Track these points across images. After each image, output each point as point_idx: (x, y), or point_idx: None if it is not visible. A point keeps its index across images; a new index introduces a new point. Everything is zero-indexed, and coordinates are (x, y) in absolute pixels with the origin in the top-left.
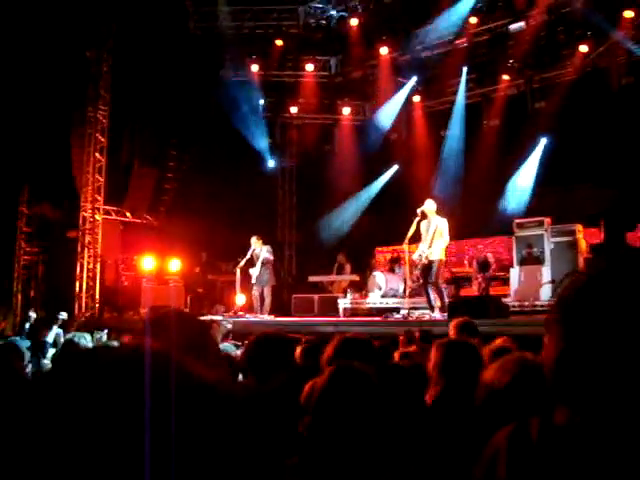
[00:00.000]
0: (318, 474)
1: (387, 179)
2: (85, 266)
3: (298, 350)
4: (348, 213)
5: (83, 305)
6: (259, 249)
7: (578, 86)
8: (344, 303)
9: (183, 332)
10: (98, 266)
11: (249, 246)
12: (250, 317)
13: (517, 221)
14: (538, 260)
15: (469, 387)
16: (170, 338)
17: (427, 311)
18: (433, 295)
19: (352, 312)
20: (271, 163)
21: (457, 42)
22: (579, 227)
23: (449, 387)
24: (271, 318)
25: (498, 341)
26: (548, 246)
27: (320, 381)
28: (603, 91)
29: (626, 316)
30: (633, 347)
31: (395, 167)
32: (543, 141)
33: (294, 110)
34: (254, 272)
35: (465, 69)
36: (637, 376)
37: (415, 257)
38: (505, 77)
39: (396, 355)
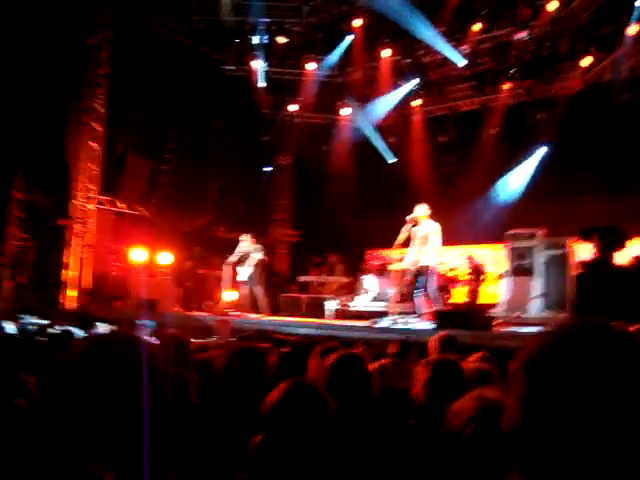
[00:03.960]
0: None
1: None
2: (74, 255)
3: (274, 358)
4: None
5: (71, 294)
6: (251, 247)
7: (579, 99)
8: (332, 305)
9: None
10: (86, 256)
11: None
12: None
13: (510, 232)
14: (529, 271)
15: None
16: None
17: (415, 318)
18: (423, 301)
19: (340, 314)
20: (268, 168)
21: (460, 48)
22: (570, 241)
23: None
24: (256, 317)
25: (474, 357)
26: (539, 258)
27: (271, 399)
28: (604, 106)
29: (592, 387)
30: (596, 421)
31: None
32: (542, 149)
33: (293, 108)
34: (244, 271)
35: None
36: (598, 452)
37: (405, 263)
38: (506, 86)
39: (371, 367)
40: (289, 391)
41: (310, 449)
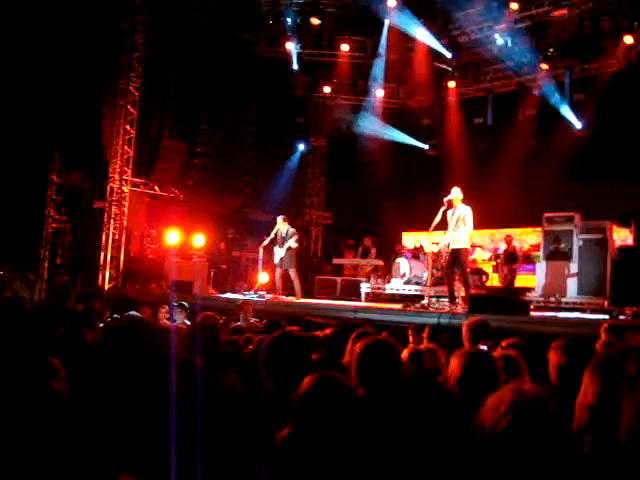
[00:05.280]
0: None
1: (416, 164)
2: (110, 237)
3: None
4: None
5: (107, 276)
6: (284, 230)
7: (620, 79)
8: (366, 288)
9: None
10: (123, 238)
11: (275, 225)
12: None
13: (547, 215)
14: (565, 256)
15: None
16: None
17: (449, 302)
18: (458, 285)
19: (374, 297)
20: (301, 145)
21: (496, 27)
22: (610, 225)
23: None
24: (289, 299)
25: (505, 342)
26: (577, 242)
27: (299, 393)
28: None
29: None
30: None
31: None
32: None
33: (327, 90)
34: (278, 253)
35: None
36: None
37: (440, 246)
38: (544, 66)
39: (405, 352)
40: (315, 385)
41: (336, 445)
